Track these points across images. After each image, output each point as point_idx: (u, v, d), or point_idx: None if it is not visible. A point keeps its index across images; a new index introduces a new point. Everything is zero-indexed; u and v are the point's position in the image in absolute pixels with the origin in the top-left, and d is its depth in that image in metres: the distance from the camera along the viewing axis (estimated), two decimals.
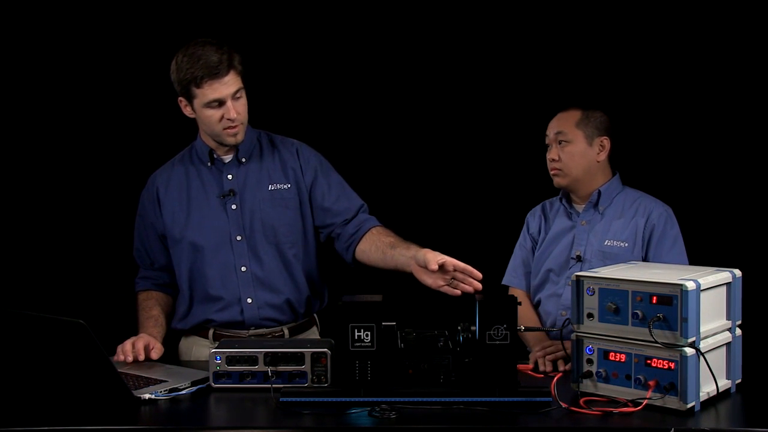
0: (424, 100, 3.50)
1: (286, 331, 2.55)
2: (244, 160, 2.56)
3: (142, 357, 2.32)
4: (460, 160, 3.51)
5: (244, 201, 2.53)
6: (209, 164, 2.56)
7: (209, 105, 2.42)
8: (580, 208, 2.64)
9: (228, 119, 2.42)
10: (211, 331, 2.55)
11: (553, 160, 2.59)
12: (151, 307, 2.56)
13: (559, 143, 2.58)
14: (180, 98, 2.48)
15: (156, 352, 2.37)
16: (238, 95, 2.43)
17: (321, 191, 2.57)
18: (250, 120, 2.61)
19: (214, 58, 2.38)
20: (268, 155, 2.59)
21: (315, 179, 2.58)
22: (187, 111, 2.49)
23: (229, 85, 2.40)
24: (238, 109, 2.43)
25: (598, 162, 2.59)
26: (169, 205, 2.57)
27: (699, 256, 2.54)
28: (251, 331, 2.52)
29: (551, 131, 2.62)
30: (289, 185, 2.56)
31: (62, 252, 3.38)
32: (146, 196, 2.62)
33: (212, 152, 2.56)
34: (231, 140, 2.48)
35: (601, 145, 2.58)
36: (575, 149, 2.57)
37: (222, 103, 2.41)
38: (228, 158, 2.56)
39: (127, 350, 2.32)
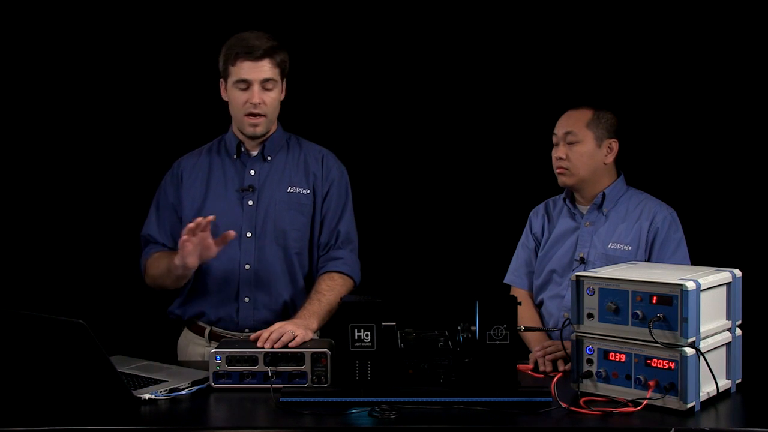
0: (428, 98, 3.49)
1: None
2: (269, 158, 2.56)
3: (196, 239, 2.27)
4: (463, 158, 3.51)
5: (261, 199, 2.53)
6: (235, 157, 2.56)
7: (237, 85, 2.45)
8: (584, 208, 2.62)
9: (251, 103, 2.44)
10: (207, 330, 2.54)
11: (560, 158, 2.56)
12: (169, 253, 2.48)
13: (568, 143, 2.55)
14: (221, 79, 2.52)
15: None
16: (269, 86, 2.45)
17: (327, 207, 2.57)
18: (284, 124, 2.61)
19: (256, 42, 2.44)
20: (293, 157, 2.59)
21: (329, 192, 2.58)
22: (223, 93, 2.53)
23: (261, 70, 2.43)
24: (264, 98, 2.45)
25: (605, 164, 2.57)
26: (190, 190, 2.57)
27: (699, 256, 2.54)
28: (245, 333, 2.50)
29: (560, 129, 2.59)
30: (308, 191, 2.56)
31: (62, 252, 3.38)
32: (170, 179, 2.62)
33: (240, 145, 2.56)
34: (250, 130, 2.48)
35: (609, 147, 2.56)
36: (584, 149, 2.54)
37: (249, 85, 2.43)
38: (254, 153, 2.57)
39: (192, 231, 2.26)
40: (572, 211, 2.64)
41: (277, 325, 2.24)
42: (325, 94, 3.44)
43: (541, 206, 2.76)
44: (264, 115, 2.47)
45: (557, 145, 2.59)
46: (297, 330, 2.20)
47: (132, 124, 3.42)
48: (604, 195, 2.58)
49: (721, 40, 3.27)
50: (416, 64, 3.46)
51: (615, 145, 2.57)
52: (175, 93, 3.33)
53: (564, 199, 2.67)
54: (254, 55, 2.42)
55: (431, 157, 3.50)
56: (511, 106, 3.44)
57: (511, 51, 3.43)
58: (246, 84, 2.44)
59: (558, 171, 2.59)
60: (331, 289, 2.48)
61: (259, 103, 2.44)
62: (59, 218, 3.39)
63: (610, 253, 2.51)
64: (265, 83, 2.44)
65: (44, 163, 3.39)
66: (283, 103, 2.55)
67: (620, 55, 3.34)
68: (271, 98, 2.47)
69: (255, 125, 2.47)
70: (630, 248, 2.50)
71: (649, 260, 2.50)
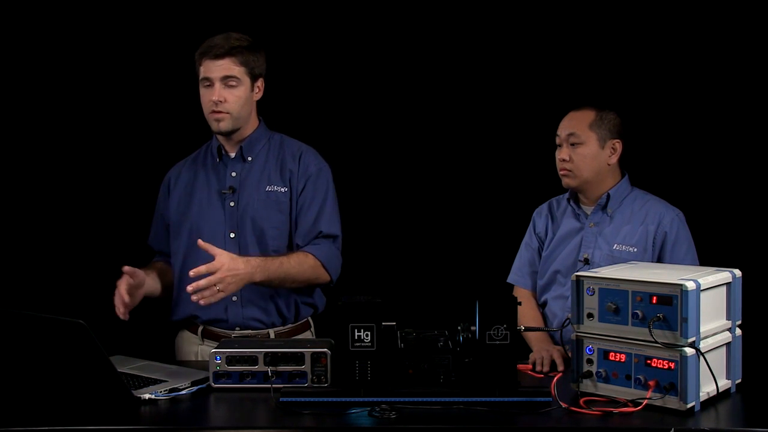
0: (431, 99, 3.49)
1: (272, 334, 2.54)
2: (249, 158, 2.57)
3: (126, 298, 2.35)
4: (465, 158, 3.51)
5: (241, 199, 2.54)
6: (218, 160, 2.58)
7: (202, 84, 2.49)
8: (588, 209, 2.61)
9: (211, 101, 2.45)
10: (200, 328, 2.56)
11: (564, 160, 2.55)
12: (155, 263, 2.64)
13: (571, 144, 2.54)
14: None
15: (138, 276, 2.39)
16: (231, 83, 2.46)
17: (302, 203, 2.56)
18: (268, 123, 2.61)
19: (220, 42, 2.46)
20: (272, 156, 2.60)
21: (305, 188, 2.57)
22: None
23: (221, 68, 2.44)
24: (225, 96, 2.45)
25: (609, 165, 2.56)
26: (176, 196, 2.61)
27: (699, 256, 2.54)
28: (236, 332, 2.52)
29: (563, 131, 2.57)
30: (285, 188, 2.56)
31: (62, 252, 3.38)
32: (161, 189, 2.69)
33: (221, 148, 2.58)
34: (214, 125, 2.51)
35: (612, 148, 2.55)
36: (587, 151, 2.53)
37: (212, 83, 2.45)
38: (233, 154, 2.58)
39: (118, 306, 2.34)
40: (576, 212, 2.63)
41: (217, 265, 2.25)
42: (329, 95, 3.45)
43: (545, 206, 2.75)
44: (227, 113, 2.47)
45: (560, 146, 2.58)
46: (228, 287, 2.27)
47: (133, 124, 3.42)
48: (608, 196, 2.57)
49: (723, 40, 3.27)
50: (422, 66, 3.47)
51: (619, 145, 2.57)
52: (180, 94, 3.32)
53: (568, 200, 2.66)
54: (214, 53, 2.44)
55: (433, 157, 3.50)
56: (513, 106, 3.43)
57: (513, 51, 3.43)
58: (209, 82, 2.46)
59: (562, 173, 2.57)
60: (300, 264, 2.47)
61: (220, 101, 2.45)
62: (59, 219, 3.39)
63: (616, 255, 2.49)
64: (226, 81, 2.45)
65: (44, 164, 3.39)
66: (286, 103, 2.55)
67: (623, 55, 3.34)
68: (235, 96, 2.47)
69: (219, 120, 2.48)
70: (636, 250, 2.49)
71: (661, 262, 2.48)
